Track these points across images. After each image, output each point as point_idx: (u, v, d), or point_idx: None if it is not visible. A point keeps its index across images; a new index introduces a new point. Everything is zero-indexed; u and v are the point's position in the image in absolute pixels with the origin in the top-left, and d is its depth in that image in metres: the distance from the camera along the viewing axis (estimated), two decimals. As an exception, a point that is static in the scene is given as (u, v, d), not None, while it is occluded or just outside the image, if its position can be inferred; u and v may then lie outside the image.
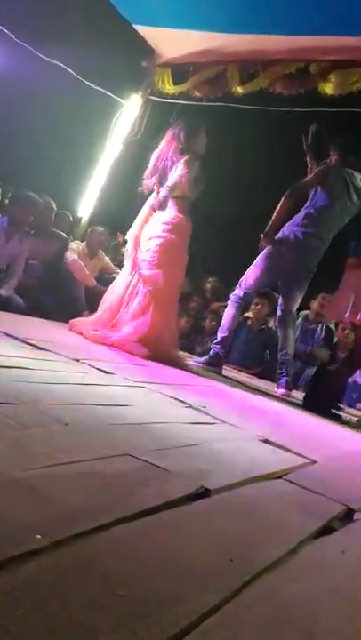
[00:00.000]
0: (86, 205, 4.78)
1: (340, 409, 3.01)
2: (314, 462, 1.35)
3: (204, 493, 0.84)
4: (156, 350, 2.73)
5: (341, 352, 3.90)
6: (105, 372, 1.84)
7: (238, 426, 1.55)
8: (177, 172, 2.87)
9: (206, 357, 3.27)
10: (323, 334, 4.45)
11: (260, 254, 3.20)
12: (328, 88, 3.66)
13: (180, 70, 4.38)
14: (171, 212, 2.92)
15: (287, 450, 1.39)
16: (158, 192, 2.95)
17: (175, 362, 2.83)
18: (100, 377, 1.76)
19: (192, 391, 2.10)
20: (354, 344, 2.96)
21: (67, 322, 3.06)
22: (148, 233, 2.94)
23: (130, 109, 4.63)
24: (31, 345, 1.90)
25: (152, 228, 2.93)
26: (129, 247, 3.03)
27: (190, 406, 1.63)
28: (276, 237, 3.14)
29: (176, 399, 1.68)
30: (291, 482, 1.09)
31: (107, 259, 4.45)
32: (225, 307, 3.42)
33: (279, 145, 4.83)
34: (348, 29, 3.32)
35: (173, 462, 0.94)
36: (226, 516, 0.81)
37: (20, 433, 0.86)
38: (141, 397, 1.62)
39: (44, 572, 0.50)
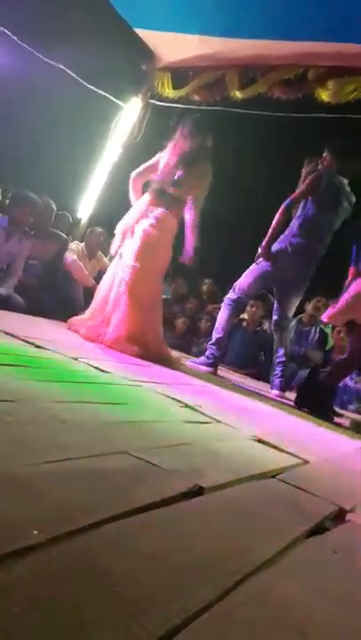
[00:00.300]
0: (86, 206, 4.80)
1: (336, 413, 3.03)
2: (307, 462, 1.36)
3: (199, 492, 0.84)
4: (146, 348, 2.73)
5: (336, 354, 3.93)
6: (102, 370, 1.84)
7: (233, 425, 1.56)
8: (192, 176, 2.84)
9: (202, 358, 3.29)
10: (316, 337, 4.48)
11: (256, 261, 3.22)
12: (325, 95, 3.69)
13: (179, 74, 4.40)
14: (160, 209, 2.90)
15: (281, 450, 1.39)
16: (157, 189, 2.93)
17: (166, 360, 2.82)
18: (97, 375, 1.77)
19: (188, 391, 2.10)
20: (350, 347, 2.98)
21: (65, 321, 3.07)
22: (135, 228, 2.93)
23: (130, 112, 4.64)
24: (30, 343, 1.90)
25: (139, 224, 2.91)
26: (116, 241, 3.01)
27: (186, 406, 1.64)
28: (274, 249, 3.15)
29: (172, 398, 1.69)
30: (284, 481, 1.10)
31: (105, 259, 4.45)
32: (220, 309, 3.43)
33: (277, 149, 4.86)
34: (347, 37, 3.35)
35: (169, 460, 0.94)
36: (219, 515, 0.82)
37: (17, 430, 0.86)
38: (138, 396, 1.63)
39: (39, 568, 0.50)
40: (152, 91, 4.55)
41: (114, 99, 4.60)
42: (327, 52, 3.56)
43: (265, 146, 5.24)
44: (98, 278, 4.22)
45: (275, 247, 3.16)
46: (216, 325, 3.31)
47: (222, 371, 3.56)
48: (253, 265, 3.23)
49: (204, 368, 3.18)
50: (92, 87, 4.36)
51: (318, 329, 4.50)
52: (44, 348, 1.89)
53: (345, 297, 2.80)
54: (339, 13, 3.15)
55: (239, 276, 3.30)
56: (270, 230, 3.13)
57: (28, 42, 3.94)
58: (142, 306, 2.82)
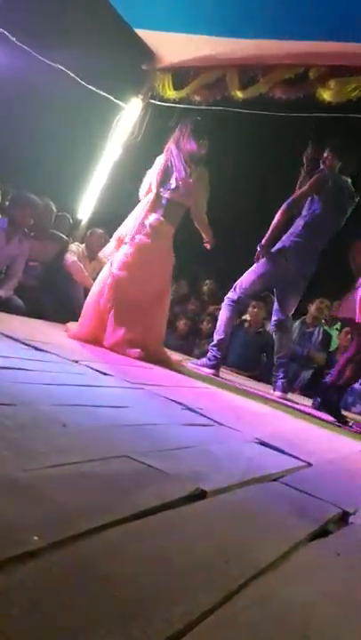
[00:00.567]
0: (86, 207, 4.80)
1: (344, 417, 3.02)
2: (309, 465, 1.35)
3: (201, 495, 0.84)
4: (146, 350, 2.73)
5: (340, 356, 3.90)
6: (103, 373, 1.84)
7: (235, 428, 1.56)
8: (186, 181, 2.84)
9: (204, 360, 3.28)
10: (320, 338, 4.48)
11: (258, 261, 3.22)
12: (326, 95, 3.69)
13: (180, 74, 4.40)
14: (155, 216, 2.89)
15: (283, 452, 1.39)
16: (156, 193, 2.92)
17: (165, 362, 2.82)
18: (98, 378, 1.76)
19: (189, 393, 2.10)
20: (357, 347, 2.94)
21: (65, 323, 3.06)
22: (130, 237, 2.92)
23: (130, 113, 4.65)
24: (30, 346, 1.90)
25: (134, 233, 2.90)
26: (110, 246, 3.00)
27: (188, 408, 1.64)
28: (277, 248, 3.16)
29: (173, 401, 1.69)
30: (286, 484, 1.10)
31: (106, 261, 4.46)
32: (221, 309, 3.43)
33: (278, 149, 4.85)
34: (347, 36, 3.35)
35: (171, 464, 0.94)
36: (222, 518, 0.81)
37: (18, 434, 0.86)
38: (139, 399, 1.63)
39: (40, 573, 0.50)
40: (152, 91, 4.55)
41: (114, 99, 4.60)
42: (328, 51, 3.56)
43: (266, 146, 5.24)
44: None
45: (278, 246, 3.16)
46: (217, 327, 3.31)
47: (224, 372, 3.55)
48: (255, 264, 3.23)
49: (206, 370, 3.18)
50: (93, 88, 4.37)
51: (322, 330, 4.51)
52: (45, 351, 1.89)
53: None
54: (339, 13, 3.16)
55: (240, 276, 3.30)
56: (270, 229, 3.13)
57: (27, 42, 3.94)
58: (142, 310, 2.82)
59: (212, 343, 3.28)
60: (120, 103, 4.65)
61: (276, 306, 3.33)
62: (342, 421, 2.72)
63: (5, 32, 3.82)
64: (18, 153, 4.79)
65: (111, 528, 0.63)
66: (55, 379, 1.50)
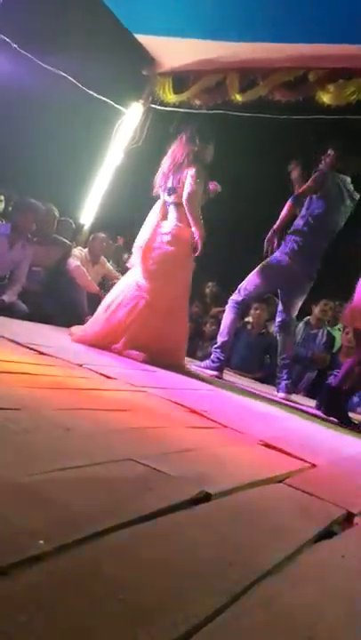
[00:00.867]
0: (88, 212, 4.82)
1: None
2: (314, 466, 1.35)
3: (205, 498, 0.84)
4: (160, 357, 2.73)
5: (344, 357, 3.89)
6: (107, 376, 1.85)
7: (239, 430, 1.56)
8: (187, 183, 2.86)
9: (207, 362, 3.28)
10: (324, 339, 4.48)
11: (261, 263, 3.23)
12: (326, 98, 3.70)
13: (180, 79, 4.42)
14: (171, 222, 2.93)
15: (287, 454, 1.39)
16: (163, 199, 2.96)
17: (178, 368, 2.83)
18: (102, 382, 1.77)
19: (193, 396, 2.10)
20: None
21: (69, 327, 3.07)
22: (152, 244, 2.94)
23: (131, 117, 4.67)
24: (34, 350, 1.91)
25: (155, 239, 2.93)
26: (136, 259, 2.98)
27: (191, 410, 1.64)
28: (281, 249, 3.17)
29: (177, 404, 1.69)
30: (291, 486, 1.09)
31: (109, 265, 4.48)
32: (224, 311, 3.44)
33: (279, 152, 4.85)
34: (347, 39, 3.36)
35: (175, 467, 0.94)
36: (226, 521, 0.81)
37: (22, 438, 0.86)
38: (143, 402, 1.63)
39: (46, 577, 0.50)
40: (153, 96, 4.58)
41: (115, 104, 4.63)
42: (327, 54, 3.57)
43: (266, 149, 5.25)
44: (101, 284, 4.25)
45: (282, 247, 3.17)
46: (221, 329, 3.31)
47: (228, 374, 3.55)
48: (258, 266, 3.24)
49: (210, 372, 3.18)
50: (94, 93, 4.40)
51: (326, 331, 4.51)
52: (49, 355, 1.89)
53: None
54: (339, 16, 3.16)
55: (242, 278, 3.30)
56: (278, 221, 3.13)
57: (28, 49, 3.97)
58: (160, 317, 2.83)
59: (216, 345, 3.28)
60: (121, 108, 4.67)
61: (280, 307, 3.32)
62: (351, 425, 2.70)
63: (7, 39, 3.85)
64: (20, 158, 4.83)
65: (116, 531, 0.63)
66: (59, 383, 1.50)
